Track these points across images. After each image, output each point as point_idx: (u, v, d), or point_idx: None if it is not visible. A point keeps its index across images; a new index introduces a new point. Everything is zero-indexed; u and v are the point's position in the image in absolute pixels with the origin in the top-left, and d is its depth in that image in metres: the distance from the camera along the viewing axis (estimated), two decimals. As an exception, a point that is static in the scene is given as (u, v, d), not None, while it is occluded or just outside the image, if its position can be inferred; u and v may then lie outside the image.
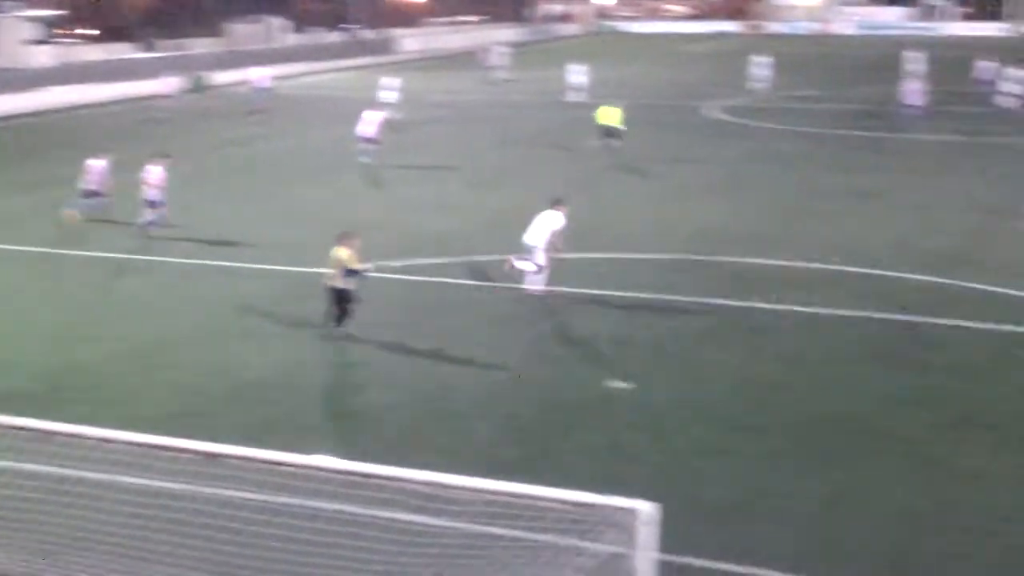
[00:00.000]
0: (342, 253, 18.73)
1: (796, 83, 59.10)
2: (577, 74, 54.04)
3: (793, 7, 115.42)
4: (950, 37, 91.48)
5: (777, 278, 22.80)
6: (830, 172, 35.30)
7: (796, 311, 20.49)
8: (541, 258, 21.31)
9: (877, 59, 72.71)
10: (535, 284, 21.42)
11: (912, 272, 22.82)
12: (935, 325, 19.70)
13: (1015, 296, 21.30)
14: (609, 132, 38.34)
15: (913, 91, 47.65)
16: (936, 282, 22.30)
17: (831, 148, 40.28)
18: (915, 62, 56.86)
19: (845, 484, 13.64)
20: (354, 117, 37.68)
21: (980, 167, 35.89)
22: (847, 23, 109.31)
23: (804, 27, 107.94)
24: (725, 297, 21.31)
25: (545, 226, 21.41)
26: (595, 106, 40.54)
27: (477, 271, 23.29)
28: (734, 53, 77.87)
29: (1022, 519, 12.77)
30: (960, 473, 13.94)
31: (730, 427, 15.39)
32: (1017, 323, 19.68)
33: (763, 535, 12.35)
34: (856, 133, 43.51)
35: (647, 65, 72.31)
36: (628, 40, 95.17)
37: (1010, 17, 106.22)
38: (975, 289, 21.81)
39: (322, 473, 9.32)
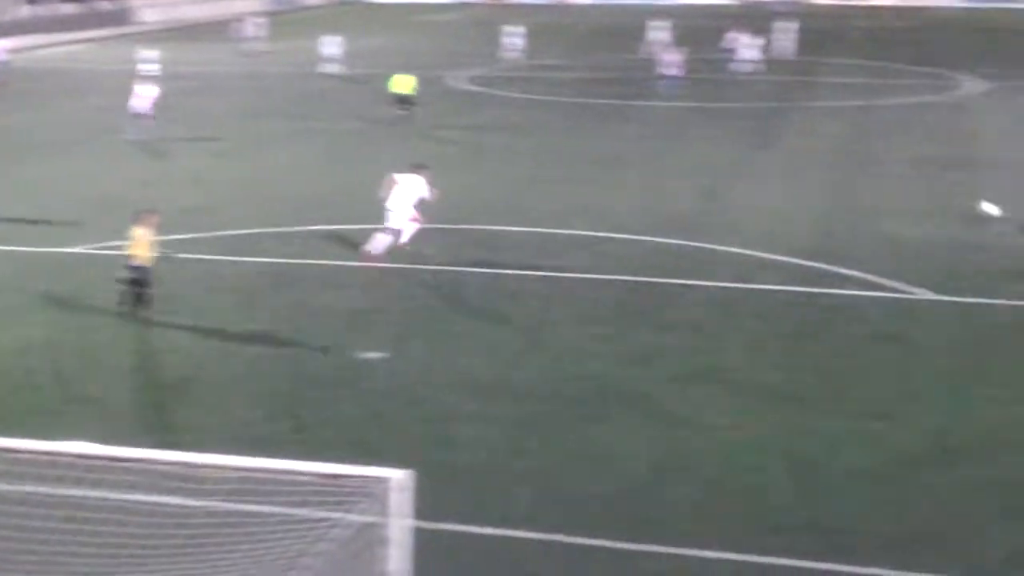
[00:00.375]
0: (138, 233, 18.45)
1: (543, 53, 60.01)
2: (331, 45, 53.78)
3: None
4: (680, 6, 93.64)
5: (524, 244, 23.31)
6: (575, 139, 36.18)
7: (543, 276, 21.02)
8: (400, 221, 21.55)
9: (619, 28, 74.45)
10: (378, 246, 21.52)
11: (652, 235, 23.72)
12: (672, 285, 20.60)
13: (741, 254, 22.43)
14: (402, 100, 39.51)
15: (670, 61, 48.66)
16: (673, 243, 23.25)
17: (577, 116, 41.18)
18: (661, 30, 58.64)
19: (591, 442, 14.17)
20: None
21: (716, 132, 37.36)
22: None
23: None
24: (473, 265, 21.68)
25: (406, 191, 21.72)
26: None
27: (226, 246, 22.96)
28: (477, 23, 78.55)
29: (755, 467, 13.56)
30: (696, 425, 14.68)
31: (482, 392, 15.75)
32: (741, 279, 20.80)
33: (514, 497, 12.73)
34: (602, 101, 44.58)
35: (394, 36, 72.01)
36: (373, 11, 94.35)
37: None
38: (706, 249, 22.87)
39: (66, 459, 9.09)
